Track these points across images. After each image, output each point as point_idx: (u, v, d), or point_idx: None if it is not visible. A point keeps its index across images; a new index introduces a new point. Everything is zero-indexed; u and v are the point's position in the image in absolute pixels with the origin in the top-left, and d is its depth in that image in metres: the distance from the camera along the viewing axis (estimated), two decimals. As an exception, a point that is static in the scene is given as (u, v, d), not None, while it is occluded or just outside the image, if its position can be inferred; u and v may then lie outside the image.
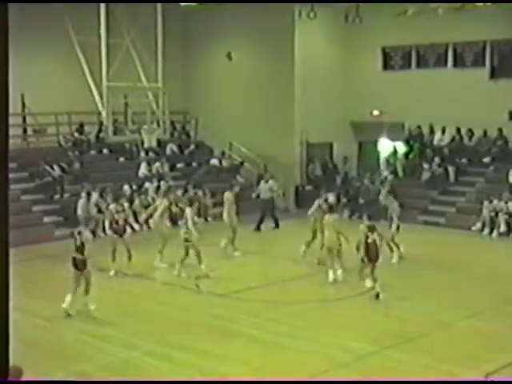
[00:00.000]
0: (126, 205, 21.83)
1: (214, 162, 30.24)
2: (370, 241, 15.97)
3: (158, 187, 26.52)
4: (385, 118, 29.46)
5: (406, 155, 28.80)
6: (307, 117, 29.35)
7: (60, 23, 24.16)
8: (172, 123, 28.78)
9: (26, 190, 24.99)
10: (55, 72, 28.29)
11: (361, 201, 27.35)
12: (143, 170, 27.84)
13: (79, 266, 15.07)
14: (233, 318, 14.85)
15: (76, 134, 28.54)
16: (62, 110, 28.10)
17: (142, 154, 28.77)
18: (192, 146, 31.13)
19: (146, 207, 25.13)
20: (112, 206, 19.47)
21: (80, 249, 15.17)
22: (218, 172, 29.39)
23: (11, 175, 21.80)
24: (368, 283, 16.20)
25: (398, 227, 19.89)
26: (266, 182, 25.95)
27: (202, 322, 14.75)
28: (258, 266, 20.31)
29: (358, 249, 16.31)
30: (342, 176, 30.02)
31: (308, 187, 29.87)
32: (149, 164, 28.22)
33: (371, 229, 16.14)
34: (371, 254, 16.00)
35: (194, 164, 30.21)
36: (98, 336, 13.84)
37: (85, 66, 23.83)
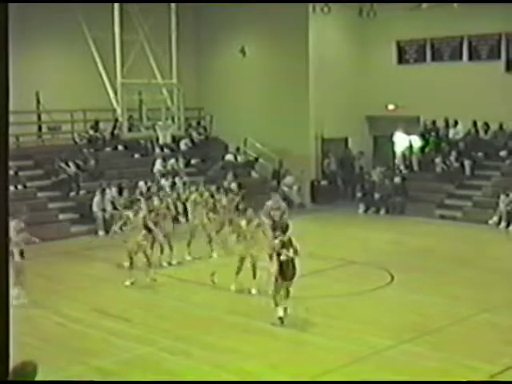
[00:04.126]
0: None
1: (229, 157, 30.22)
2: (283, 258, 13.85)
3: (174, 183, 26.56)
4: (400, 111, 29.36)
5: (422, 149, 28.68)
6: (322, 112, 29.26)
7: (74, 21, 24.24)
8: (186, 119, 28.79)
9: (41, 188, 25.11)
10: (70, 69, 28.34)
11: (376, 195, 27.31)
12: (158, 166, 27.85)
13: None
14: (250, 314, 14.83)
15: (91, 131, 28.59)
16: (77, 108, 28.14)
17: (157, 150, 28.80)
18: (209, 143, 31.11)
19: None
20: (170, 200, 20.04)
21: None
22: (233, 168, 29.36)
23: (27, 173, 22.09)
24: (280, 312, 14.03)
25: None
26: None
27: (218, 317, 14.75)
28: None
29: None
30: (357, 171, 30.02)
31: (323, 182, 29.84)
32: (164, 160, 28.23)
33: (286, 244, 14.01)
34: (286, 273, 13.95)
35: (209, 160, 30.16)
36: (115, 332, 13.85)
37: (99, 63, 23.89)
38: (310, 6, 28.62)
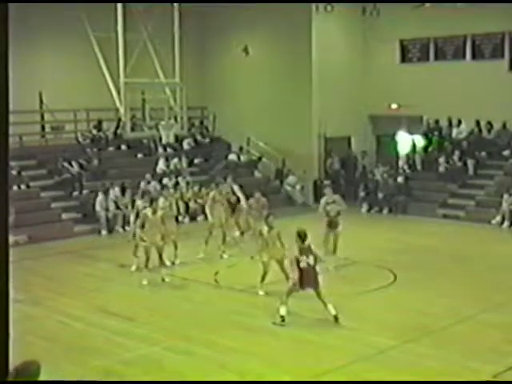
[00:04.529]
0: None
1: (232, 157, 30.23)
2: (303, 265, 13.71)
3: (177, 183, 26.55)
4: (403, 111, 29.32)
5: (425, 148, 28.65)
6: (325, 111, 29.23)
7: (77, 20, 24.26)
8: (189, 119, 28.78)
9: (45, 187, 25.13)
10: (73, 69, 28.34)
11: (379, 195, 27.28)
12: (161, 165, 27.86)
13: None
14: (253, 313, 14.85)
15: (94, 131, 28.60)
16: (80, 107, 28.16)
17: (160, 149, 28.79)
18: (212, 142, 31.08)
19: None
20: (139, 203, 19.51)
21: None
22: (236, 167, 29.37)
23: (30, 172, 22.13)
24: (283, 310, 13.99)
25: None
26: None
27: (221, 316, 14.74)
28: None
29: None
30: (360, 170, 30.00)
31: (326, 181, 29.79)
32: (167, 160, 28.23)
33: (305, 251, 13.85)
34: (305, 280, 13.75)
35: (212, 160, 30.14)
36: (118, 332, 13.85)
37: (102, 63, 23.93)
38: (314, 5, 28.62)
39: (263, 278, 16.18)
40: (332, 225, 18.24)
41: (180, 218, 24.67)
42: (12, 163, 24.40)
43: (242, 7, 29.76)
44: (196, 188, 26.23)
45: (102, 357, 12.41)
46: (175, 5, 24.30)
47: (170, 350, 12.74)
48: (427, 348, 12.55)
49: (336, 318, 13.89)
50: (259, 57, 31.03)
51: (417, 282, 17.06)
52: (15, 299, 14.80)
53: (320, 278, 13.97)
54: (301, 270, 13.74)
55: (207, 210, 20.67)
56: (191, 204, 25.92)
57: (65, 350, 12.81)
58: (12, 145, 24.94)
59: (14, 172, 24.22)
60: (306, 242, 13.99)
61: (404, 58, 30.22)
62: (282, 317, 13.96)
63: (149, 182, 25.47)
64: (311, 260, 13.79)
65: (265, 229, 16.12)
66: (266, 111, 30.41)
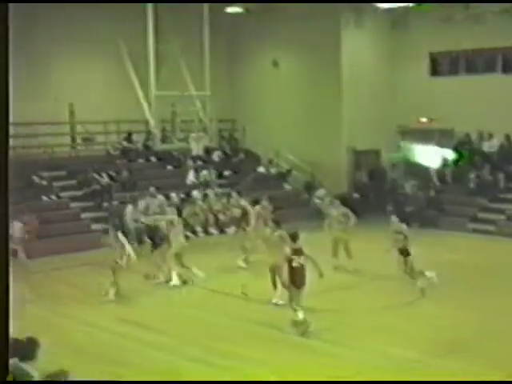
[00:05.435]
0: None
1: (261, 169, 30.23)
2: (295, 264, 14.08)
3: (205, 195, 26.59)
4: (433, 124, 29.16)
5: (456, 162, 28.42)
6: (354, 124, 29.19)
7: (109, 33, 24.45)
8: (219, 131, 28.81)
9: (74, 198, 25.27)
10: (104, 81, 28.53)
11: (408, 209, 27.06)
12: (191, 177, 27.91)
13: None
14: (278, 326, 14.75)
15: (124, 143, 28.76)
16: (111, 119, 28.36)
17: (190, 161, 28.86)
18: (242, 154, 31.10)
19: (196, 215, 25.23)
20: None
21: None
22: (265, 179, 29.36)
23: (61, 183, 22.30)
24: (300, 316, 14.16)
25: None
26: None
27: (246, 328, 14.73)
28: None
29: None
30: (390, 183, 29.84)
31: (355, 195, 29.68)
32: (196, 172, 28.28)
33: (297, 252, 14.23)
34: (298, 279, 14.13)
35: (241, 172, 30.12)
36: (141, 341, 13.90)
37: (133, 75, 24.07)
38: (343, 18, 28.62)
39: (274, 285, 16.27)
40: (404, 252, 18.04)
41: (210, 230, 24.97)
42: (43, 174, 24.62)
43: (273, 19, 29.83)
44: (225, 200, 26.27)
45: (122, 366, 12.41)
46: (205, 16, 24.38)
47: (192, 361, 12.73)
48: (459, 363, 12.35)
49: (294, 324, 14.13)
50: (289, 69, 31.06)
51: (446, 297, 16.88)
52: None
53: (307, 279, 14.19)
54: (293, 269, 14.08)
55: (251, 225, 20.54)
56: (220, 216, 25.96)
57: (88, 359, 12.81)
58: (43, 155, 25.22)
59: (44, 182, 24.40)
60: (298, 243, 14.33)
61: (434, 71, 30.10)
62: (297, 321, 14.06)
63: (153, 196, 24.60)
64: (302, 260, 14.11)
65: (267, 231, 16.33)
66: (295, 124, 30.41)
